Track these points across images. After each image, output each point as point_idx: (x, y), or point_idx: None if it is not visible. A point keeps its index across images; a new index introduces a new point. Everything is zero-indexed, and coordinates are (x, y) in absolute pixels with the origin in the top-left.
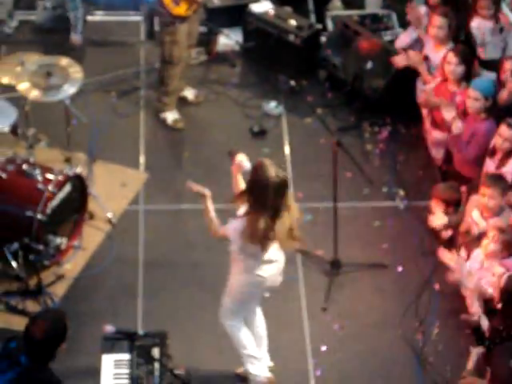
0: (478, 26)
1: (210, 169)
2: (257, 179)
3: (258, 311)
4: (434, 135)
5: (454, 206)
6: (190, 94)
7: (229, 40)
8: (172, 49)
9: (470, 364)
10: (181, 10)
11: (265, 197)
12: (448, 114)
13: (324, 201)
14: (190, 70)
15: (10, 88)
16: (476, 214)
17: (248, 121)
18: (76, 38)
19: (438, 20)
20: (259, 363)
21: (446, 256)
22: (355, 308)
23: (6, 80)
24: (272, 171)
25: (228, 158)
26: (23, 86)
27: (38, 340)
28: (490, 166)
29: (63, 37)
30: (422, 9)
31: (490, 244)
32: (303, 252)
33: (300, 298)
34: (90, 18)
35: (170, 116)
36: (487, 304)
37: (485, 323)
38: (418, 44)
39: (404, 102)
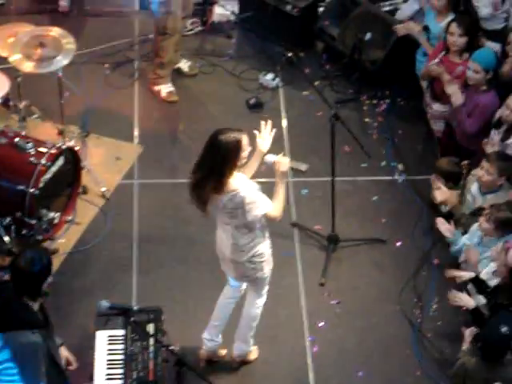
0: None
1: (203, 140)
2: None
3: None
4: (435, 108)
5: (455, 180)
6: (185, 65)
7: (225, 10)
8: (166, 20)
9: (465, 345)
10: None
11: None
12: (449, 87)
13: (321, 175)
14: (184, 42)
15: (2, 59)
16: (475, 188)
17: (244, 93)
18: (64, 4)
19: None
20: None
21: (443, 227)
22: (353, 283)
23: None
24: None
25: None
26: (15, 58)
27: (24, 271)
28: (494, 137)
29: (56, 7)
30: None
31: (483, 222)
32: (300, 227)
33: (297, 274)
34: None
35: (165, 89)
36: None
37: (482, 302)
38: (420, 15)
39: (403, 74)
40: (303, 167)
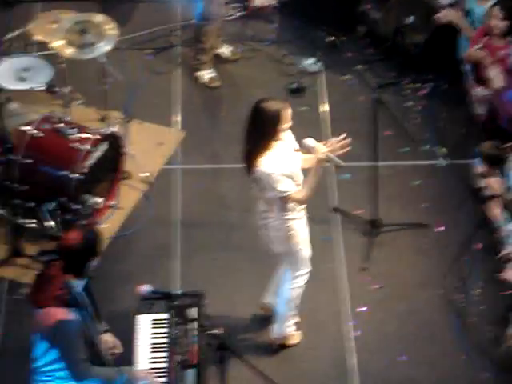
0: None
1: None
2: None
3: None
4: (478, 91)
5: (498, 164)
6: (226, 50)
7: None
8: (208, 5)
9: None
10: None
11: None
12: (491, 71)
13: (363, 160)
14: (225, 27)
15: (46, 46)
16: None
17: (286, 78)
18: None
19: None
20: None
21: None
22: (395, 268)
23: (41, 37)
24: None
25: None
26: (58, 44)
27: (70, 246)
28: None
29: None
30: None
31: None
32: (342, 212)
33: (340, 259)
34: None
35: (206, 74)
36: None
37: None
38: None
39: (446, 57)
40: (341, 162)
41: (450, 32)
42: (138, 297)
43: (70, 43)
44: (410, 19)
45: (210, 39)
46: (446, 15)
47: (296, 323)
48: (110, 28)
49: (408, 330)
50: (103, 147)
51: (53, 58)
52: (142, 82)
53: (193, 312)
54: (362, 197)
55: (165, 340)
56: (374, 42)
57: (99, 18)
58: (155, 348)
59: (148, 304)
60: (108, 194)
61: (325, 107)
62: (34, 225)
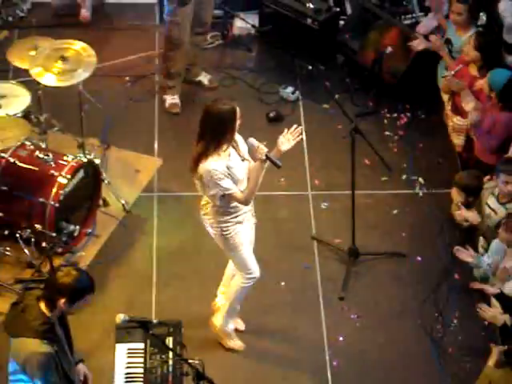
0: (505, 8)
1: None
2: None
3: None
4: (455, 121)
5: (475, 194)
6: (204, 78)
7: (245, 24)
8: (172, 29)
9: (492, 361)
10: None
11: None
12: (467, 104)
13: (341, 188)
14: (205, 55)
15: (24, 72)
16: (493, 201)
17: (264, 106)
18: (85, 14)
19: (457, 6)
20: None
21: (462, 254)
22: (373, 297)
23: (19, 64)
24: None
25: None
26: (36, 71)
27: (66, 284)
28: None
29: (77, 20)
30: None
31: (502, 232)
32: (320, 240)
33: (317, 287)
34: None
35: (169, 99)
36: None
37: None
38: (439, 30)
39: (424, 87)
40: (279, 163)
41: (429, 61)
42: (114, 325)
43: (47, 70)
44: (388, 49)
45: (176, 65)
46: (419, 43)
47: (236, 331)
48: (89, 55)
49: (386, 360)
50: (80, 174)
51: (30, 85)
52: (120, 110)
53: (169, 341)
54: (340, 225)
55: (140, 370)
56: (353, 72)
57: (78, 44)
58: (130, 378)
59: (124, 333)
60: (84, 221)
61: (303, 135)
62: (8, 252)
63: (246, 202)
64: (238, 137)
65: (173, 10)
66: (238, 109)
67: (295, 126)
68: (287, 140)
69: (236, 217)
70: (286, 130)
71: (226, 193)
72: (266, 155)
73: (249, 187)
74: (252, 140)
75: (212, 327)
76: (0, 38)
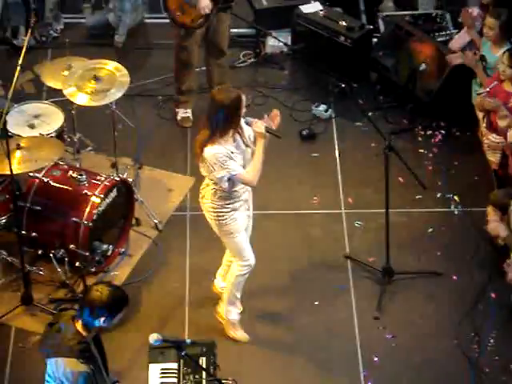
0: None
1: None
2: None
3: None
4: (491, 138)
5: None
6: None
7: (277, 42)
8: (178, 51)
9: None
10: (186, 19)
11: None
12: (502, 121)
13: (375, 207)
14: (237, 73)
15: (57, 92)
16: None
17: (297, 124)
18: (119, 39)
19: (489, 21)
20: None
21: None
22: (408, 317)
23: (52, 84)
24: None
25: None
26: (70, 91)
27: (97, 304)
28: None
29: (110, 40)
30: (475, 10)
31: None
32: (354, 259)
33: (351, 307)
34: (136, 22)
35: (181, 113)
36: None
37: None
38: (472, 46)
39: (458, 104)
40: (278, 134)
41: (463, 78)
42: (148, 345)
43: (80, 90)
44: (422, 66)
45: (186, 83)
46: (456, 57)
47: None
48: (122, 75)
49: (422, 381)
50: (113, 194)
51: (64, 105)
52: (153, 129)
53: (203, 361)
54: (374, 244)
55: None
56: (387, 89)
57: (111, 64)
58: None
59: (157, 353)
60: (118, 240)
61: (336, 154)
62: (42, 272)
63: (252, 182)
64: (242, 123)
65: (182, 33)
66: (243, 96)
67: (274, 110)
68: (261, 122)
69: (233, 203)
70: (265, 116)
71: (233, 173)
72: (266, 127)
73: (253, 166)
74: (248, 119)
75: (217, 315)
76: (23, 80)
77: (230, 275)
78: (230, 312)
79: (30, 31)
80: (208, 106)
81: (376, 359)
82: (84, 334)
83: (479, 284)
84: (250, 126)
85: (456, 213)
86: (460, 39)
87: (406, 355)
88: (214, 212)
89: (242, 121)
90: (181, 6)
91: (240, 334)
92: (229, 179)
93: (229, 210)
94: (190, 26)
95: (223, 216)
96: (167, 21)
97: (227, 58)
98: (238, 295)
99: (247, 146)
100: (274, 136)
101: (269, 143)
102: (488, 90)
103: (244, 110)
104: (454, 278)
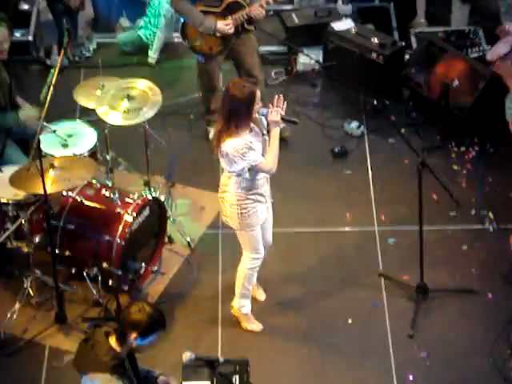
0: None
1: (289, 191)
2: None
3: None
4: None
5: None
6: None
7: (309, 59)
8: (202, 76)
9: None
10: (204, 47)
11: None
12: None
13: (409, 223)
14: (269, 91)
15: (90, 111)
16: None
17: (329, 141)
18: (153, 56)
19: None
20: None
21: None
22: (443, 335)
23: (85, 103)
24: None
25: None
26: (102, 110)
27: (141, 319)
28: None
29: (143, 58)
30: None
31: None
32: (388, 277)
33: (385, 325)
34: (168, 39)
35: (212, 131)
36: None
37: None
38: (509, 57)
39: (492, 120)
40: (295, 119)
41: (497, 94)
42: (181, 363)
43: (113, 109)
44: (455, 83)
45: (213, 104)
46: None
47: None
48: (154, 93)
49: None
50: (146, 212)
51: (96, 124)
52: (184, 147)
53: (236, 379)
54: (408, 261)
55: None
56: (419, 106)
57: (143, 83)
58: None
59: (190, 371)
60: (150, 259)
61: (369, 171)
62: (76, 291)
63: (272, 170)
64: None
65: (201, 59)
66: (258, 91)
67: (276, 96)
68: (275, 112)
69: (255, 194)
70: (270, 105)
71: (253, 164)
72: (281, 116)
73: (269, 154)
74: (262, 109)
75: (232, 310)
76: (42, 97)
77: (240, 269)
78: (243, 306)
79: (62, 51)
80: (222, 100)
81: (411, 378)
82: (118, 349)
83: None
84: (265, 117)
85: (490, 230)
86: (498, 48)
87: (440, 374)
88: (237, 205)
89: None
90: (199, 33)
91: (255, 326)
92: (249, 169)
93: (252, 201)
94: (209, 54)
95: (246, 208)
96: None
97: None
98: (250, 288)
99: (263, 134)
100: (291, 123)
101: (302, 159)
102: None
103: (260, 105)
104: (489, 295)
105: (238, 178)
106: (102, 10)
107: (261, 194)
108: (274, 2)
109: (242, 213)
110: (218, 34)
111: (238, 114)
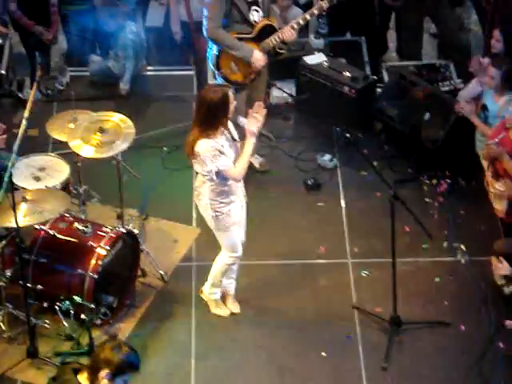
0: None
1: (263, 223)
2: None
3: None
4: (497, 187)
5: None
6: (255, 161)
7: (282, 93)
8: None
9: None
10: (238, 76)
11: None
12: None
13: (382, 256)
14: None
15: (63, 144)
16: None
17: (302, 174)
18: (124, 87)
19: (491, 70)
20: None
21: None
22: (417, 368)
23: (58, 137)
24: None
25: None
26: (75, 143)
27: (116, 358)
28: None
29: (114, 89)
30: (485, 60)
31: None
32: (361, 310)
33: (359, 357)
34: (141, 71)
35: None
36: None
37: None
38: (481, 97)
39: (463, 153)
40: (271, 136)
41: (469, 127)
42: None
43: (86, 142)
44: (427, 116)
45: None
46: (458, 108)
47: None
48: (127, 126)
49: None
50: (119, 245)
51: (69, 157)
52: (158, 180)
53: None
54: (381, 294)
55: None
56: (391, 139)
57: (116, 116)
58: None
59: None
60: (123, 292)
61: (342, 203)
62: (47, 325)
63: (238, 178)
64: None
65: (233, 91)
66: (230, 93)
67: (257, 103)
68: (254, 119)
69: (229, 196)
70: (250, 111)
71: (221, 168)
72: (260, 131)
73: (240, 163)
74: (242, 119)
75: (201, 294)
76: (33, 134)
77: (217, 261)
78: (213, 293)
79: (35, 84)
80: (197, 105)
81: None
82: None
83: (487, 333)
84: (243, 125)
85: (463, 262)
86: (470, 89)
87: None
88: (212, 209)
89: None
90: (233, 64)
91: (224, 311)
92: (217, 173)
93: (225, 204)
94: (242, 83)
95: (221, 211)
96: (172, 72)
97: None
98: (222, 279)
99: (234, 139)
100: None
101: (275, 191)
102: (497, 141)
103: (232, 108)
104: (462, 328)
105: (211, 183)
106: (75, 44)
107: (234, 196)
108: (304, 22)
109: (216, 215)
110: (252, 64)
111: (215, 116)
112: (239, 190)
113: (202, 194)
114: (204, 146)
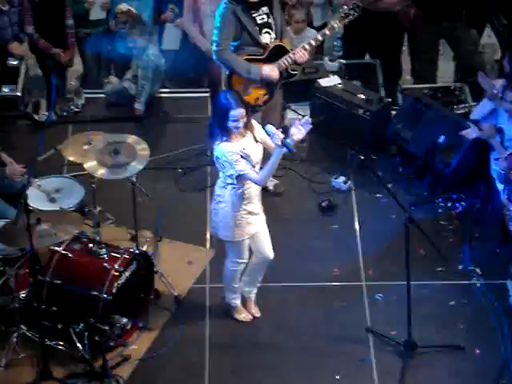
0: None
1: (277, 245)
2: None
3: None
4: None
5: None
6: (270, 183)
7: (296, 115)
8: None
9: None
10: (251, 98)
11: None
12: None
13: (396, 279)
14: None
15: (78, 166)
16: None
17: (316, 196)
18: (139, 107)
19: (509, 95)
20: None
21: None
22: None
23: (73, 158)
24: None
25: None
26: (90, 165)
27: None
28: None
29: (130, 111)
30: (499, 81)
31: None
32: (375, 333)
33: (373, 381)
34: (157, 93)
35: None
36: None
37: None
38: (494, 115)
39: (478, 176)
40: (293, 149)
41: (483, 149)
42: None
43: (101, 164)
44: (442, 139)
45: None
46: (471, 132)
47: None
48: (142, 148)
49: None
50: (133, 267)
51: (84, 179)
52: (172, 202)
53: None
54: (396, 317)
55: None
56: (406, 161)
57: (131, 138)
58: None
59: None
60: (137, 314)
61: (356, 225)
62: (61, 347)
63: (260, 182)
64: (254, 121)
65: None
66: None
67: (303, 116)
68: (298, 130)
69: (249, 204)
70: (296, 121)
71: (241, 173)
72: (282, 141)
73: (265, 169)
74: (270, 127)
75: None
76: (47, 156)
77: (224, 269)
78: (231, 299)
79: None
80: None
81: None
82: None
83: (502, 358)
84: (270, 135)
85: (478, 285)
86: (481, 108)
87: None
88: (232, 215)
89: (254, 121)
90: (246, 85)
91: (244, 316)
92: (237, 177)
93: (246, 211)
94: (254, 105)
95: (240, 218)
96: (187, 94)
97: None
98: (235, 284)
99: (257, 141)
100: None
101: (289, 213)
102: (506, 155)
103: (241, 122)
104: (477, 351)
105: (232, 188)
106: (91, 66)
107: (254, 205)
108: (316, 43)
109: (237, 223)
110: (264, 80)
111: (221, 125)
112: (258, 204)
113: (223, 201)
114: (223, 152)
